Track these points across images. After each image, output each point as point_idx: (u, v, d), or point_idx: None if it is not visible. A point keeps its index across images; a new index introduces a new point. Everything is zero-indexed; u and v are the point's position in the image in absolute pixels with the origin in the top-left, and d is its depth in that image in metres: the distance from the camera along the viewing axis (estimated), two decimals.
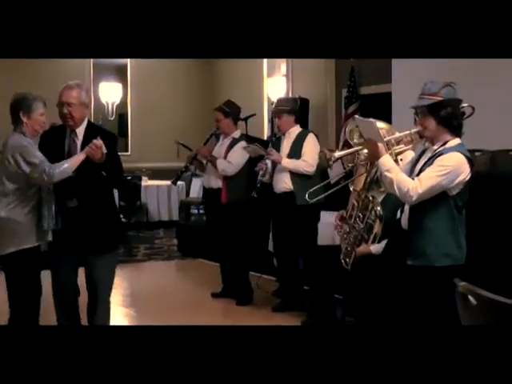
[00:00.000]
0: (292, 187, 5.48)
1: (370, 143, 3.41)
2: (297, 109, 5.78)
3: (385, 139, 3.41)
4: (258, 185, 5.58)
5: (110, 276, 4.11)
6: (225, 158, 5.93)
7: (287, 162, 5.50)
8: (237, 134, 6.10)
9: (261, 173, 5.60)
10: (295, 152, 5.54)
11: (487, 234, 4.70)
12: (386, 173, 3.32)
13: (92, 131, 3.96)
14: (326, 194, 4.44)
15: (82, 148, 3.89)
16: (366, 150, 3.54)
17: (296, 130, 5.65)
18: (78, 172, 3.82)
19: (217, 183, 5.97)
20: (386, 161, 3.34)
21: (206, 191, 6.24)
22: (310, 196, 4.59)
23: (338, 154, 3.67)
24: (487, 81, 6.03)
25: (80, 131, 3.98)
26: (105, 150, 3.76)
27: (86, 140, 3.90)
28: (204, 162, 6.12)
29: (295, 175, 5.47)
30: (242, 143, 5.96)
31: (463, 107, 3.40)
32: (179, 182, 11.12)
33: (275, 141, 5.88)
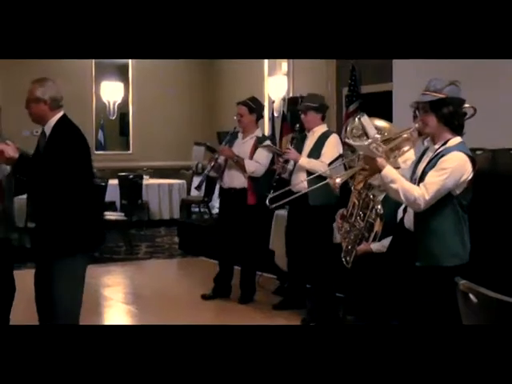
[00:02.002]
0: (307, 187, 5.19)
1: (369, 160, 3.41)
2: (326, 106, 5.50)
3: (382, 149, 3.40)
4: (274, 184, 5.41)
5: (60, 282, 3.75)
6: (250, 158, 5.78)
7: (305, 162, 5.29)
8: (259, 132, 5.96)
9: (278, 171, 5.44)
10: (315, 152, 5.32)
11: (488, 232, 4.71)
12: (391, 184, 3.32)
13: (58, 130, 3.75)
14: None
15: (46, 147, 3.76)
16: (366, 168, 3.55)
17: (321, 129, 5.40)
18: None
19: (241, 183, 5.81)
20: (387, 173, 3.33)
21: (226, 191, 5.99)
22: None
23: (339, 180, 3.68)
24: (488, 79, 6.04)
25: (47, 129, 3.78)
26: (10, 154, 3.55)
27: (51, 139, 3.75)
28: (222, 162, 5.92)
29: (312, 177, 5.10)
30: (268, 142, 5.86)
31: (465, 108, 3.41)
32: (180, 181, 11.21)
33: (300, 138, 5.57)
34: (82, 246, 3.81)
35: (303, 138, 5.50)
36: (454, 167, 3.22)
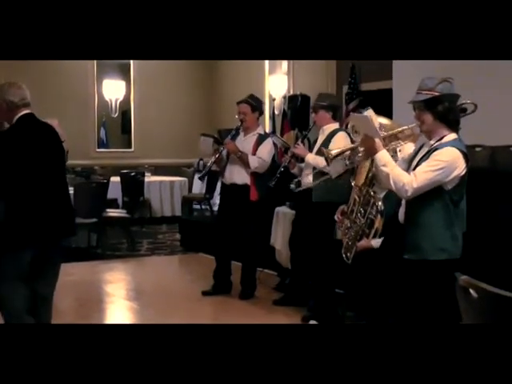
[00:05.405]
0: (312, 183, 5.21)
1: (367, 139, 3.44)
2: (336, 106, 5.51)
3: (382, 135, 3.45)
4: (278, 175, 5.45)
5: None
6: (253, 154, 5.82)
7: (311, 158, 5.24)
8: (261, 129, 6.01)
9: (284, 164, 5.44)
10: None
11: (488, 228, 4.74)
12: (383, 167, 3.35)
13: (11, 128, 3.78)
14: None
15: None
16: (363, 147, 3.57)
17: (331, 127, 5.31)
18: None
19: (243, 179, 5.86)
20: (382, 156, 3.37)
21: (227, 187, 6.05)
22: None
23: (334, 151, 3.71)
24: (488, 76, 6.07)
25: None
26: None
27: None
28: (225, 157, 5.97)
29: (316, 172, 5.19)
30: (269, 140, 5.89)
31: (466, 103, 3.43)
32: (182, 178, 11.24)
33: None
34: (11, 245, 3.67)
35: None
36: (447, 161, 3.24)
